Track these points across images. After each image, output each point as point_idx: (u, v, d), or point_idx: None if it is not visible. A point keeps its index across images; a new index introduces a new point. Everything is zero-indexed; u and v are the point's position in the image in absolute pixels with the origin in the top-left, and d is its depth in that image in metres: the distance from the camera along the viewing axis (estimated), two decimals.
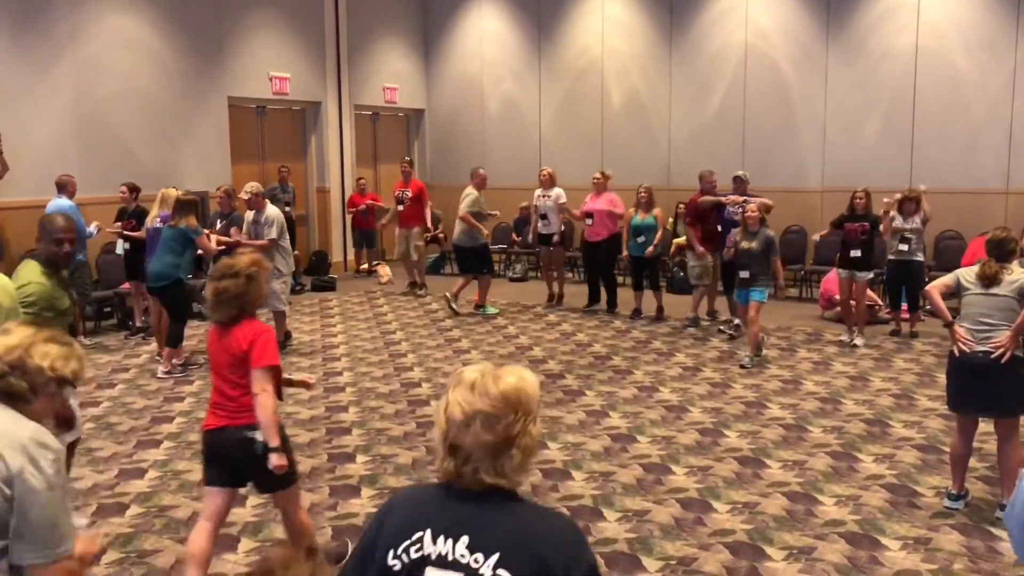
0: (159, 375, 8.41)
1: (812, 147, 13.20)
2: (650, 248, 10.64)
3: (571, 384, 8.04)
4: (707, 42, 13.89)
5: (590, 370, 8.56)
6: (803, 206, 13.01)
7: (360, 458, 6.23)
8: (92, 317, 10.57)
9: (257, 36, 13.57)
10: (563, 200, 11.44)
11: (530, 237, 12.16)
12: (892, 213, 10.05)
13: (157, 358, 8.84)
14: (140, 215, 9.93)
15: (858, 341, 9.43)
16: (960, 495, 5.31)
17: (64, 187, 9.63)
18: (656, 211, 10.81)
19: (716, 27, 13.80)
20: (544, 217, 11.59)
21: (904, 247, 9.62)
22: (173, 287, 8.50)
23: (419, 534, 1.93)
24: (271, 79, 13.77)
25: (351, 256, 15.05)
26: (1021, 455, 5.12)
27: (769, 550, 4.77)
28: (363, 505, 5.39)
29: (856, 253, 9.44)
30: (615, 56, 14.67)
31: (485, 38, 15.86)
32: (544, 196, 11.61)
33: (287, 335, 9.53)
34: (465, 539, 1.90)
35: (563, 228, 11.80)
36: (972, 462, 5.71)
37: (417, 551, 1.92)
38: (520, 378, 1.96)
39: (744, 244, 8.77)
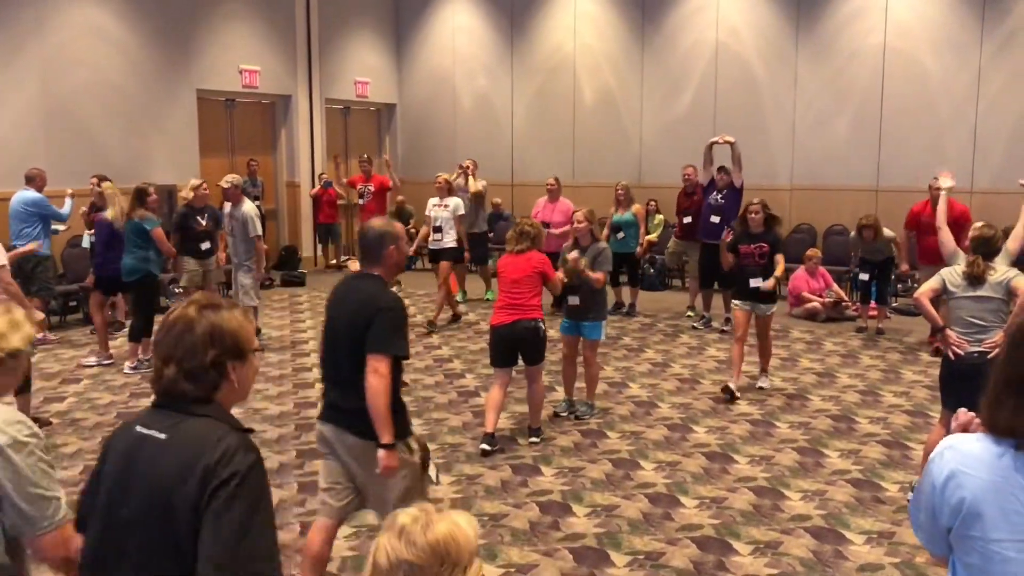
0: (125, 370, 8.32)
1: (782, 145, 13.31)
2: (639, 248, 10.89)
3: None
4: (679, 40, 13.96)
5: (559, 365, 8.58)
6: (773, 203, 12.89)
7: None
8: (57, 312, 10.43)
9: (227, 28, 13.44)
10: (461, 212, 10.35)
11: (411, 250, 9.96)
12: None
13: (93, 360, 8.64)
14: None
15: (764, 383, 7.79)
16: None
17: (33, 180, 9.46)
18: (635, 207, 10.84)
19: (688, 25, 13.87)
20: (438, 230, 10.26)
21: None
22: (142, 280, 8.42)
23: None
24: (241, 72, 13.65)
25: (320, 251, 14.98)
26: None
27: (736, 545, 4.82)
28: None
29: (756, 283, 7.49)
30: (587, 53, 14.70)
31: (457, 33, 15.83)
32: (440, 206, 10.35)
33: (257, 331, 9.44)
34: None
35: (459, 242, 10.39)
36: None
37: None
38: (454, 525, 1.85)
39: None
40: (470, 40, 15.72)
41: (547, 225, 10.41)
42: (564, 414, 7.08)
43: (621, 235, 10.73)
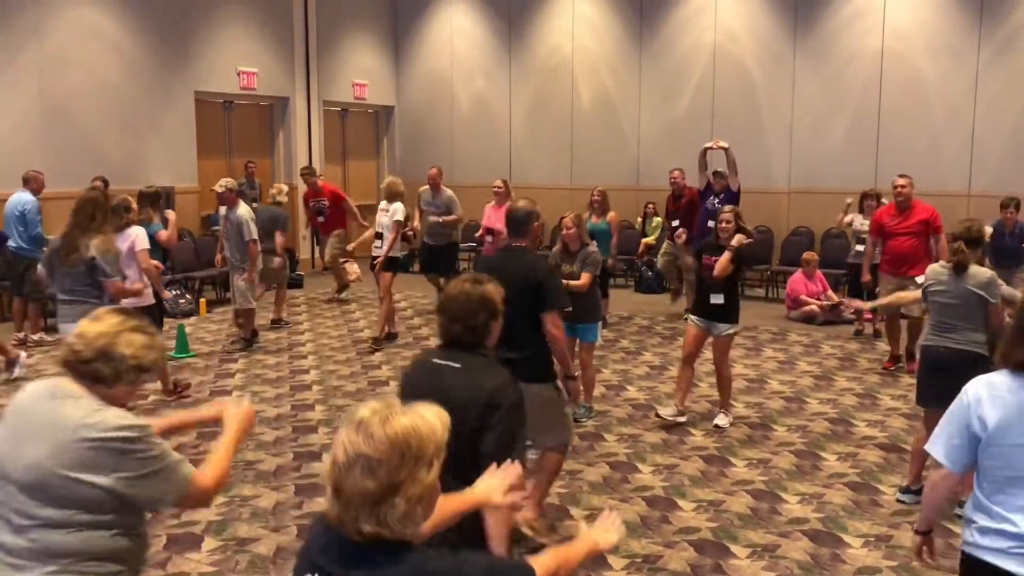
0: None
1: (779, 148, 13.32)
2: (610, 260, 9.47)
3: None
4: (676, 43, 13.97)
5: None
6: (770, 207, 13.13)
7: (326, 457, 6.18)
8: (55, 314, 10.40)
9: (225, 30, 13.44)
10: (398, 216, 9.42)
11: (376, 266, 9.55)
12: (851, 216, 10.23)
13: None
14: None
15: (721, 421, 6.80)
16: (911, 489, 5.39)
17: (28, 182, 9.44)
18: (610, 215, 9.70)
19: (685, 28, 13.88)
20: (380, 235, 9.56)
21: (862, 247, 9.47)
22: None
23: (307, 575, 1.85)
24: (239, 74, 13.65)
25: (318, 254, 14.95)
26: None
27: (734, 548, 4.81)
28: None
29: (718, 300, 6.63)
30: (585, 55, 14.71)
31: (455, 35, 15.83)
32: (384, 211, 9.60)
33: (254, 333, 9.45)
34: None
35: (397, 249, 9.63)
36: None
37: None
38: (418, 418, 1.80)
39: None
40: (468, 42, 15.73)
41: (491, 233, 9.68)
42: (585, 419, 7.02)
43: (594, 245, 9.60)
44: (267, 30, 14.08)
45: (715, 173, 10.43)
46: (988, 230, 5.97)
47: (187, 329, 9.48)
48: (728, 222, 6.68)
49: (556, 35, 14.94)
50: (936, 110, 12.37)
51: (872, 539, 4.93)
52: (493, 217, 9.85)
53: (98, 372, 2.43)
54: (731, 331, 6.73)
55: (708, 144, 10.45)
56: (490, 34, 15.53)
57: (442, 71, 16.02)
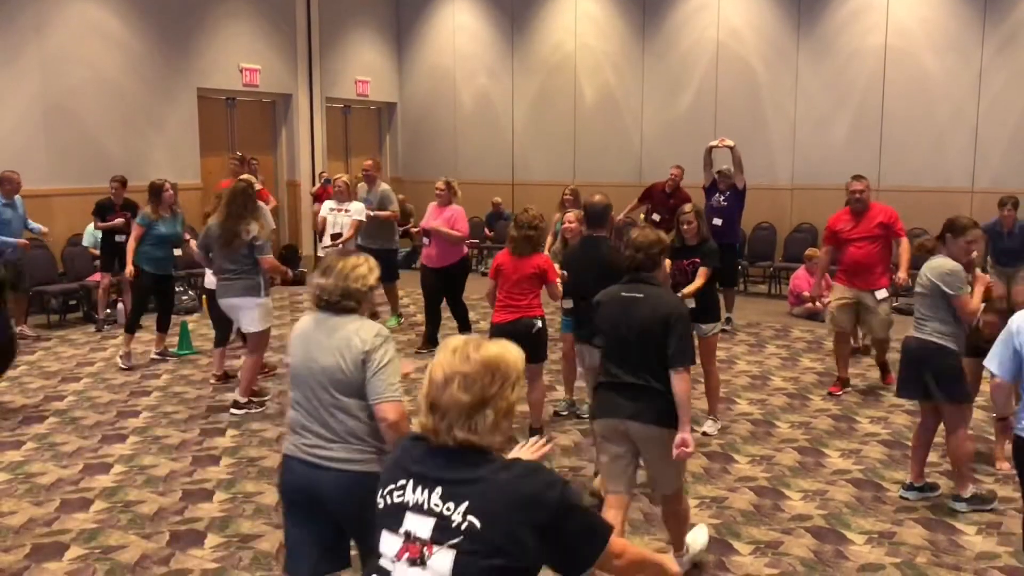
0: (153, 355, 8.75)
1: (782, 145, 13.31)
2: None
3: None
4: (679, 40, 13.96)
5: (560, 364, 8.57)
6: (773, 203, 13.12)
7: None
8: (57, 310, 10.43)
9: (227, 27, 13.44)
10: (361, 217, 9.22)
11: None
12: None
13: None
14: (132, 208, 9.62)
15: (709, 428, 6.59)
16: (914, 486, 5.39)
17: (2, 183, 9.31)
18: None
19: (688, 25, 13.87)
20: (337, 236, 9.26)
21: None
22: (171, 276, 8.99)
23: (402, 481, 2.13)
24: (241, 70, 13.65)
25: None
26: (967, 449, 5.26)
27: (736, 544, 4.81)
28: None
29: (689, 304, 6.18)
30: (588, 52, 14.70)
31: (458, 32, 15.83)
32: (340, 210, 9.26)
33: None
34: (439, 490, 2.08)
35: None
36: (935, 457, 5.80)
37: (399, 496, 2.12)
38: (504, 348, 2.17)
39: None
40: (471, 39, 15.72)
41: (427, 235, 8.86)
42: (565, 413, 7.07)
43: None
44: (270, 26, 14.08)
45: (719, 172, 10.40)
46: (978, 232, 5.94)
47: (190, 326, 9.48)
48: (690, 223, 6.54)
49: (559, 32, 14.93)
50: (939, 107, 12.35)
51: (875, 536, 4.92)
52: (433, 218, 8.87)
53: (346, 305, 3.35)
54: (714, 330, 6.58)
55: (713, 142, 10.43)
56: (493, 31, 15.52)
57: (445, 68, 16.02)
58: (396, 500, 2.12)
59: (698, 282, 6.42)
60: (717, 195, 10.20)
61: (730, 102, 13.55)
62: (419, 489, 2.09)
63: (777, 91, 13.29)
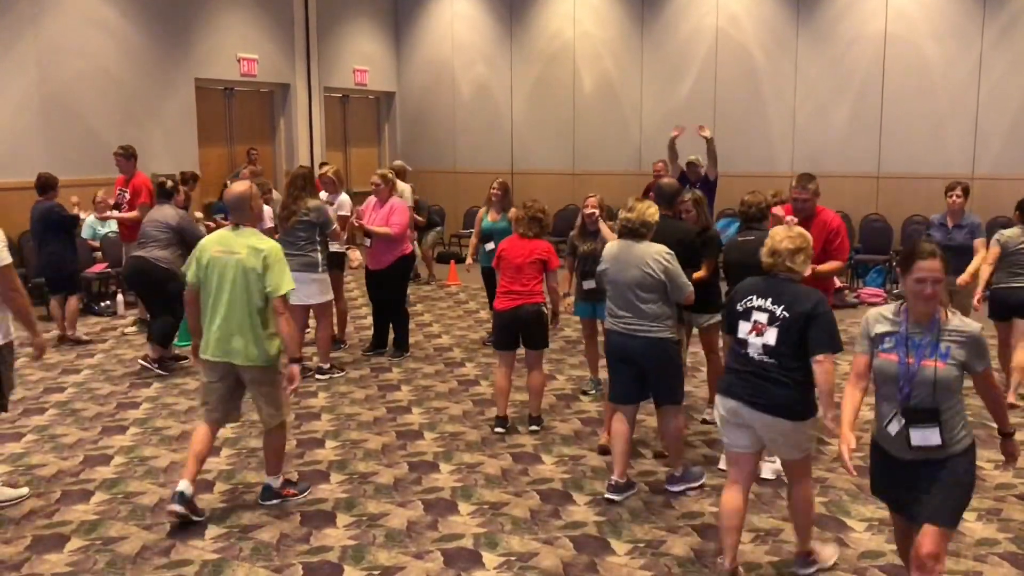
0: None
1: (782, 132, 13.28)
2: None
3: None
4: (678, 27, 13.91)
5: (559, 354, 8.57)
6: (773, 190, 13.05)
7: (329, 443, 6.20)
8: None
9: (225, 16, 13.39)
10: (345, 212, 8.54)
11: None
12: None
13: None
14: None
15: (709, 416, 6.41)
16: None
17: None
18: (512, 212, 8.18)
19: (687, 12, 13.82)
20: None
21: None
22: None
23: (752, 296, 4.13)
24: (239, 60, 13.60)
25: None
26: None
27: None
28: (332, 491, 5.36)
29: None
30: (587, 40, 14.65)
31: (456, 20, 15.77)
32: (329, 203, 8.42)
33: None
34: (770, 298, 4.07)
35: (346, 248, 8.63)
36: None
37: (750, 303, 4.12)
38: (798, 234, 4.16)
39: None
40: (469, 28, 15.66)
41: (369, 236, 8.15)
42: (592, 392, 7.23)
43: (491, 246, 8.16)
44: (267, 16, 14.03)
45: (689, 163, 10.35)
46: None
47: None
48: (688, 211, 6.41)
49: (557, 20, 14.87)
50: (939, 93, 12.31)
51: (875, 523, 4.93)
52: (373, 216, 8.17)
53: (641, 232, 5.15)
54: (713, 320, 6.33)
55: (673, 132, 10.42)
56: (491, 19, 15.46)
57: (443, 57, 15.97)
58: (749, 306, 4.10)
59: (701, 273, 6.28)
60: (687, 187, 10.17)
61: (729, 89, 13.51)
62: (761, 299, 4.08)
63: (777, 78, 13.25)
